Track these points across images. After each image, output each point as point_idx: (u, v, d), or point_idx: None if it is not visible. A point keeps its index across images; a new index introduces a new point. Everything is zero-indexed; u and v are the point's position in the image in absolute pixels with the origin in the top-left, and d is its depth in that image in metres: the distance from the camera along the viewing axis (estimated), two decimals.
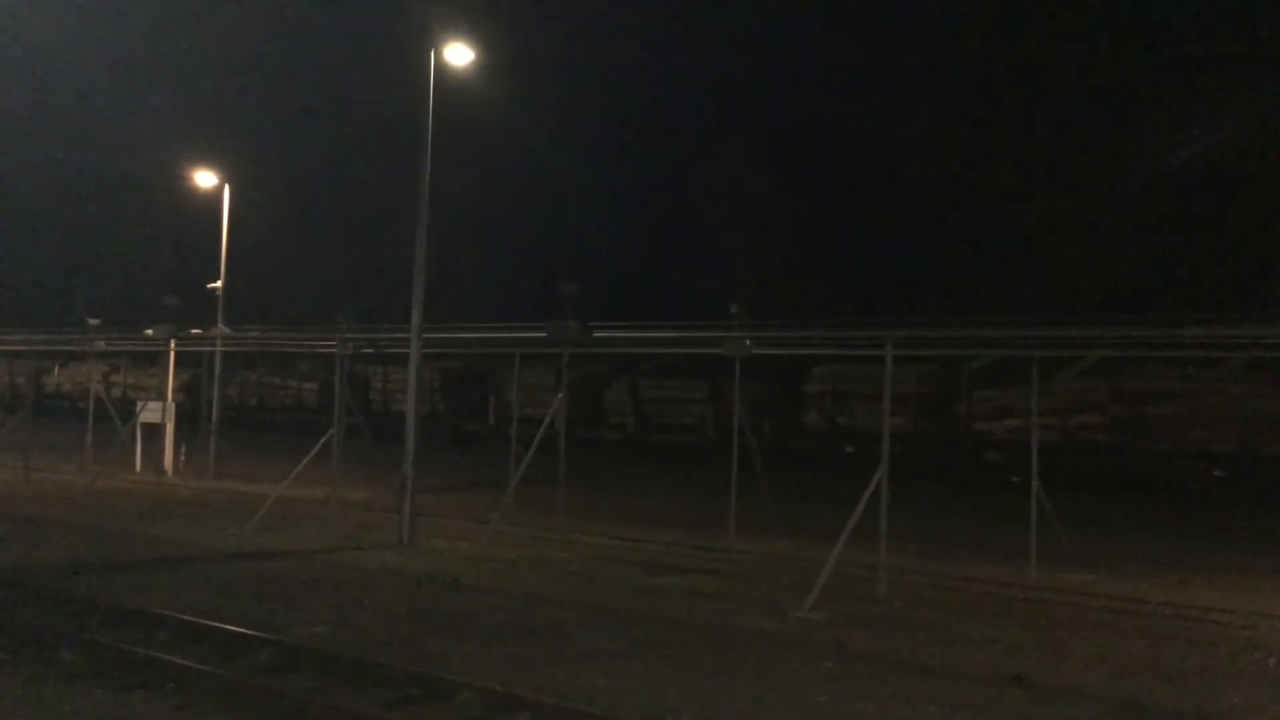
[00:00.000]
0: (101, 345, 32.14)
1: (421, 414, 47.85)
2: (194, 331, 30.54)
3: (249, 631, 11.53)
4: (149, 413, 30.55)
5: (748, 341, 19.73)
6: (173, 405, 30.81)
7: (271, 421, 48.02)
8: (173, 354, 31.47)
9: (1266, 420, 28.16)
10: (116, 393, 46.14)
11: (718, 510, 20.76)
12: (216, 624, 11.86)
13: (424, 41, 19.78)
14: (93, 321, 33.36)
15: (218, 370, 31.96)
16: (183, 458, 30.74)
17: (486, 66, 21.58)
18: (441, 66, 19.81)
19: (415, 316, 19.72)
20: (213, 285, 31.39)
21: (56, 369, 55.44)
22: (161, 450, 30.19)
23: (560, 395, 21.54)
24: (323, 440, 21.56)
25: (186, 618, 12.16)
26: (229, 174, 31.79)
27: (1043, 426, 31.46)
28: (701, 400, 37.88)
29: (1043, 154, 45.24)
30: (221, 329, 30.17)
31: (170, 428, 30.34)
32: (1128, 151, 42.96)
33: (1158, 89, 42.06)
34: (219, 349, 31.24)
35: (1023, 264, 42.85)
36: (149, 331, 29.38)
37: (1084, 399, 30.66)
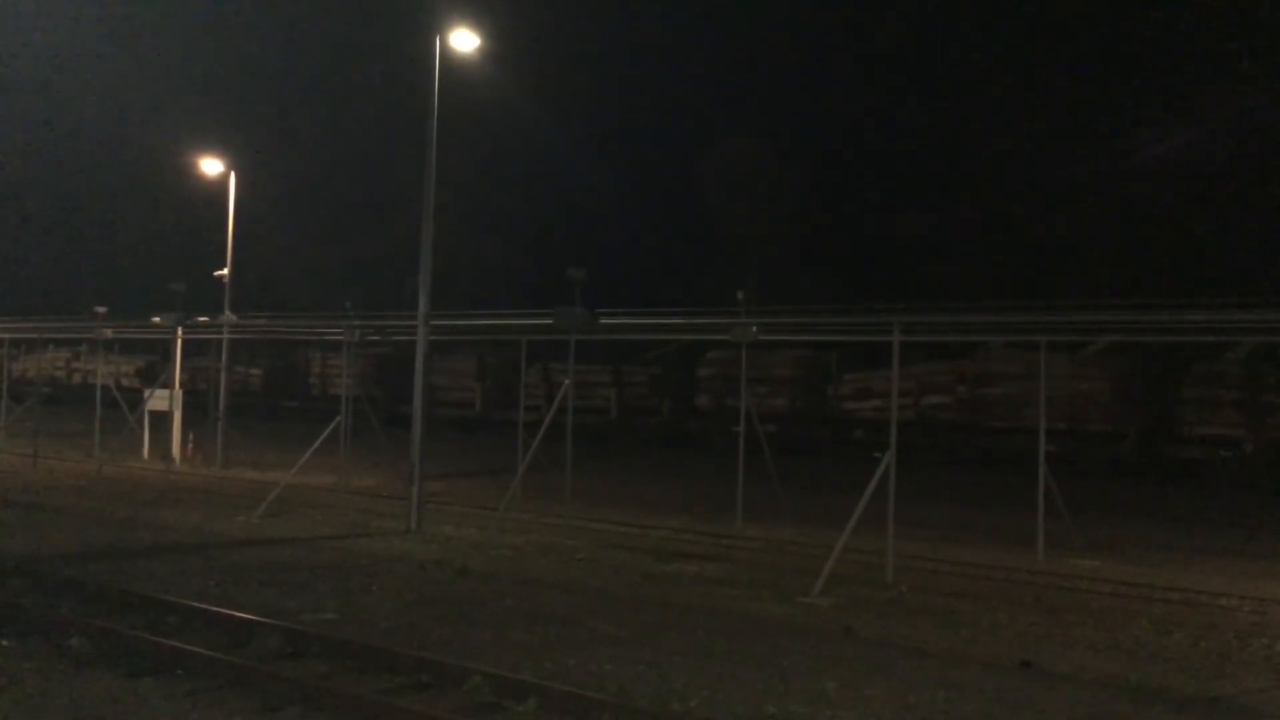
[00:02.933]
0: (108, 333, 32.17)
1: (355, 397, 50.10)
2: (201, 319, 30.57)
3: (258, 617, 11.54)
4: (156, 400, 30.59)
5: (754, 328, 19.74)
6: (180, 393, 30.83)
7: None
8: (180, 342, 31.46)
9: (1088, 399, 30.86)
10: (77, 379, 46.63)
11: (722, 496, 20.79)
12: (226, 610, 11.88)
13: (429, 27, 19.73)
14: (99, 309, 33.40)
15: (225, 358, 31.99)
16: (190, 445, 30.80)
17: (492, 53, 21.52)
18: (447, 52, 19.76)
19: (422, 303, 19.72)
20: (219, 273, 31.40)
21: (22, 355, 55.65)
22: (169, 437, 30.24)
23: (567, 381, 21.53)
24: (330, 428, 21.62)
25: (195, 604, 12.18)
26: (235, 161, 31.78)
27: (899, 406, 33.96)
28: (607, 384, 40.86)
29: (1042, 140, 45.14)
30: (229, 316, 30.19)
31: (177, 415, 30.37)
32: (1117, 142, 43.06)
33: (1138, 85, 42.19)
34: (226, 336, 31.26)
35: (1020, 251, 42.94)
36: (156, 319, 29.43)
37: (934, 381, 33.68)
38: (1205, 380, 29.81)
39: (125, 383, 54.27)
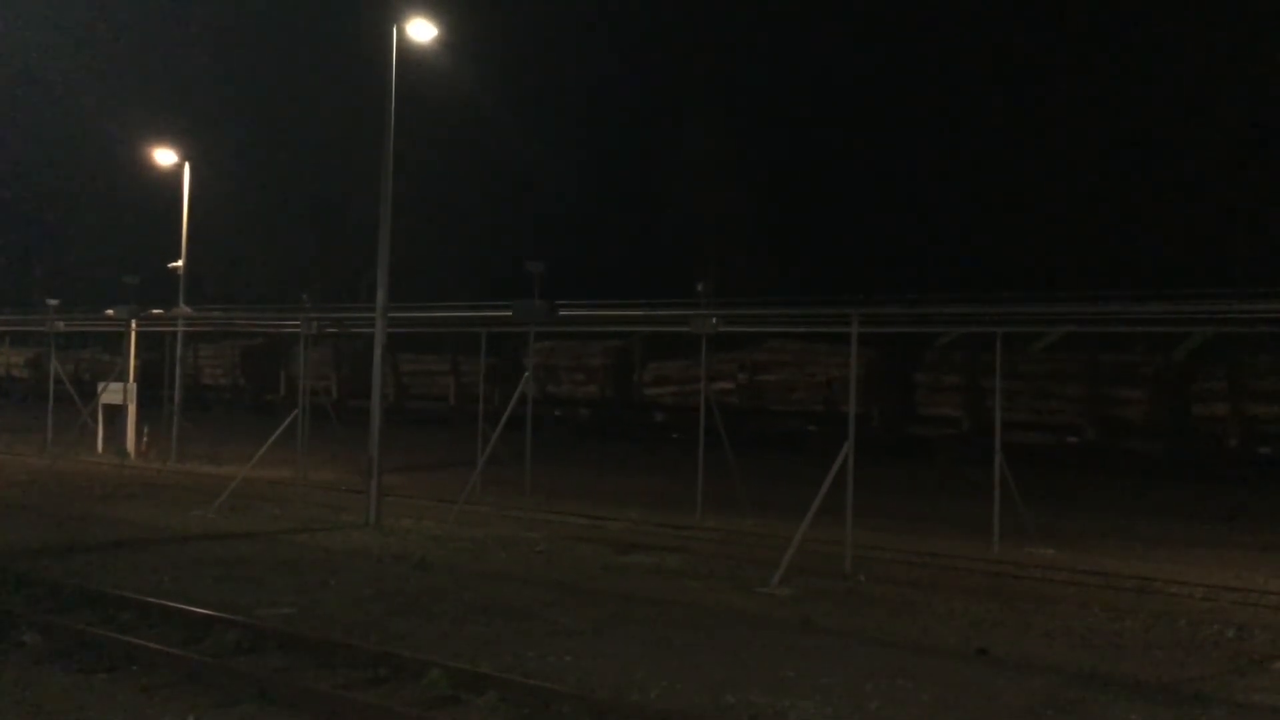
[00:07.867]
0: (61, 326, 31.80)
1: (224, 386, 51.64)
2: (155, 311, 30.24)
3: (215, 613, 11.45)
4: (110, 394, 30.24)
5: (714, 319, 19.82)
6: (134, 386, 30.47)
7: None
8: (134, 335, 31.10)
9: (841, 384, 33.06)
10: None
11: (684, 488, 20.86)
12: (182, 606, 11.77)
13: (386, 16, 19.58)
14: (51, 302, 33.01)
15: (179, 351, 31.65)
16: (145, 439, 30.45)
17: (450, 43, 21.40)
18: (404, 42, 19.63)
19: (380, 295, 19.58)
20: (173, 265, 31.05)
21: None
22: (123, 432, 29.90)
23: (527, 375, 21.52)
24: (287, 421, 21.46)
25: (151, 600, 12.07)
26: (189, 152, 31.41)
27: (691, 392, 37.54)
28: (445, 372, 43.73)
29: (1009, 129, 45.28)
30: (183, 309, 29.88)
31: (132, 409, 30.02)
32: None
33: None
34: (180, 329, 30.95)
35: (981, 241, 43.16)
36: (110, 312, 29.10)
37: (721, 369, 36.25)
38: (932, 366, 32.85)
39: (15, 374, 54.43)
